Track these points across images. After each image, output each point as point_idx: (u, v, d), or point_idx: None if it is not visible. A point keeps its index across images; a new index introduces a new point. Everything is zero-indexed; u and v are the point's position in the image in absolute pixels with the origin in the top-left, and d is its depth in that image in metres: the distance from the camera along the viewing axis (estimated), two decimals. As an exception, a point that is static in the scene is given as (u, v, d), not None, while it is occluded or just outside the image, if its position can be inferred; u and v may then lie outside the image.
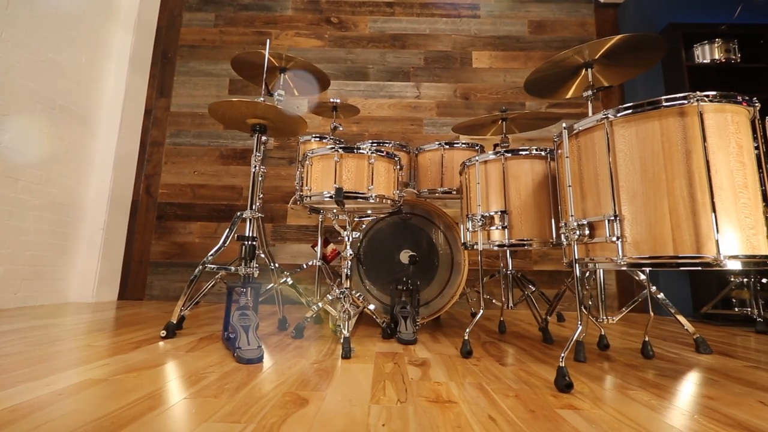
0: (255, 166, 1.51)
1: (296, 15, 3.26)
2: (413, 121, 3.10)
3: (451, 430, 0.68)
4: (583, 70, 1.70)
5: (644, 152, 0.90)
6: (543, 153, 1.33)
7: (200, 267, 1.45)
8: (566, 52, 1.54)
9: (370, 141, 1.82)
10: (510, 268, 1.97)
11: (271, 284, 1.68)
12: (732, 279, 2.33)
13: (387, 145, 1.82)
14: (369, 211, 1.61)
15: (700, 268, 0.84)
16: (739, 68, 2.79)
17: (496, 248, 1.36)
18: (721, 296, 2.35)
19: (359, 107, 3.12)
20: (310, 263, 2.08)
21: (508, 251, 2.08)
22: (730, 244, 0.83)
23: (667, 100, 0.88)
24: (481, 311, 1.35)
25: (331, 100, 2.01)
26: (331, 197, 1.31)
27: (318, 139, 1.92)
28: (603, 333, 1.44)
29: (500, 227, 1.32)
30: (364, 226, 1.86)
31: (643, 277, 1.40)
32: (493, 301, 1.91)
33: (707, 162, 0.83)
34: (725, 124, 0.86)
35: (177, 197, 2.97)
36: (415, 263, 1.69)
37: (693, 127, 0.86)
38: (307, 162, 1.39)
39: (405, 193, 1.54)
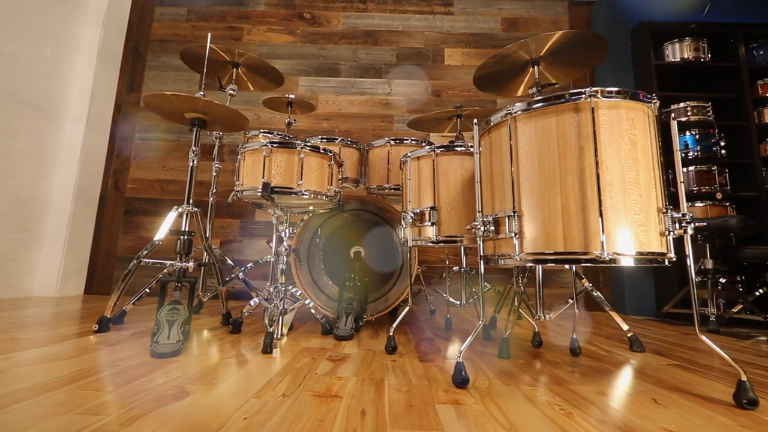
0: (192, 161, 1.51)
1: (269, 10, 3.25)
2: (384, 118, 3.09)
3: (312, 422, 0.68)
4: (531, 67, 1.70)
5: (541, 148, 0.90)
6: (473, 149, 1.33)
7: (135, 261, 1.45)
8: (510, 47, 1.54)
9: (320, 137, 1.81)
10: (464, 266, 1.97)
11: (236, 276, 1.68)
12: (695, 278, 2.33)
13: (336, 141, 1.81)
14: (310, 207, 1.61)
15: (590, 264, 0.84)
16: (709, 67, 2.78)
17: (430, 245, 1.36)
18: (681, 295, 2.35)
19: (330, 103, 3.12)
20: (264, 259, 2.08)
21: (462, 249, 2.09)
22: (618, 240, 0.82)
23: (563, 96, 0.88)
24: (408, 308, 1.35)
25: (286, 95, 2.01)
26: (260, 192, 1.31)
27: (267, 134, 1.91)
28: (537, 330, 1.44)
29: (430, 223, 1.31)
30: (311, 222, 1.86)
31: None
32: (450, 299, 1.91)
33: (596, 158, 0.83)
34: (619, 120, 0.86)
35: (145, 192, 2.96)
36: (359, 259, 1.69)
37: (586, 123, 0.86)
38: (239, 157, 1.38)
39: (341, 189, 1.53)
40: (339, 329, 1.49)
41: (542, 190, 0.89)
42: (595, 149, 0.83)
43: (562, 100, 0.87)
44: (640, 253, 0.83)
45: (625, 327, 1.44)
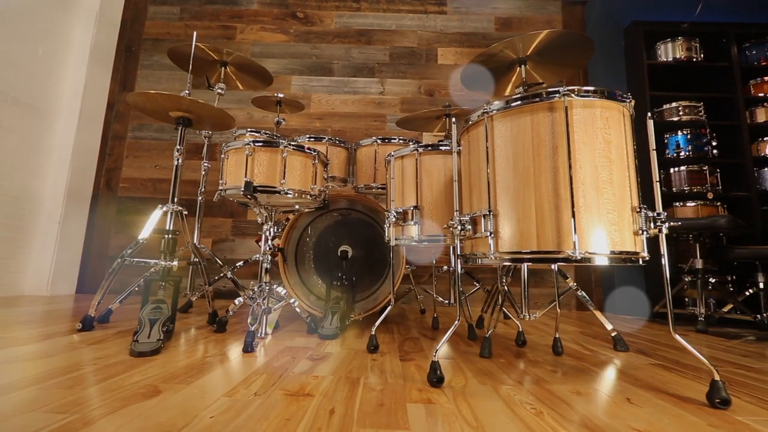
0: (177, 159, 1.51)
1: (262, 9, 3.24)
2: (377, 117, 3.09)
3: (278, 421, 0.68)
4: (518, 67, 1.70)
5: (516, 147, 0.90)
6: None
7: (119, 260, 1.45)
8: (496, 46, 1.54)
9: (307, 136, 1.81)
10: (453, 265, 1.97)
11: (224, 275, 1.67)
12: (684, 278, 2.33)
13: (324, 140, 1.81)
14: (296, 206, 1.61)
15: (565, 263, 0.84)
16: (701, 66, 2.78)
17: (414, 244, 1.36)
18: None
19: (323, 103, 3.12)
20: (253, 258, 2.08)
21: (451, 248, 2.09)
22: (591, 239, 0.82)
23: (538, 95, 0.88)
24: (390, 306, 1.35)
25: (275, 94, 2.00)
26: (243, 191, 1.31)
27: (254, 132, 1.91)
28: (521, 330, 1.44)
29: (413, 223, 1.31)
30: (299, 221, 1.86)
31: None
32: (439, 298, 1.91)
33: (569, 157, 0.83)
34: (593, 119, 0.85)
35: (138, 191, 2.96)
36: (345, 258, 1.69)
37: (560, 122, 0.85)
38: (222, 156, 1.38)
39: (326, 188, 1.53)
40: (324, 328, 1.49)
41: (517, 189, 0.88)
42: (568, 148, 0.83)
43: (537, 99, 0.87)
44: (614, 252, 0.83)
45: (609, 326, 1.44)
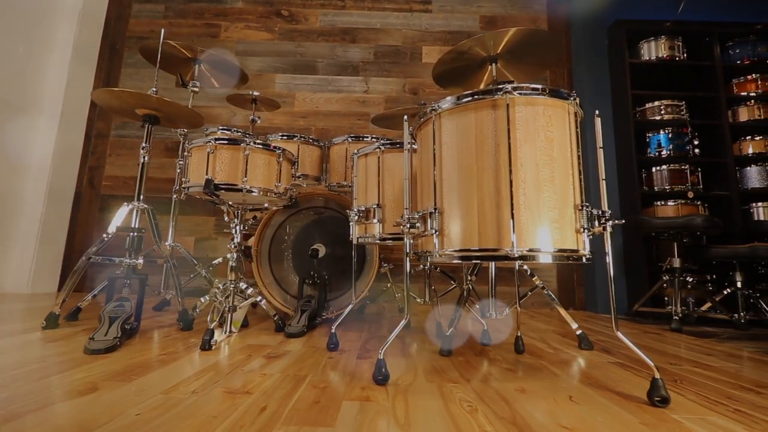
0: (143, 157, 1.50)
1: (246, 7, 3.24)
2: (361, 116, 3.09)
3: (203, 419, 0.68)
4: (489, 65, 1.69)
5: (461, 145, 0.89)
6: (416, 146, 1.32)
7: (83, 258, 1.45)
8: (465, 42, 1.54)
9: (280, 134, 1.81)
10: (428, 265, 1.97)
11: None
12: (663, 277, 2.32)
13: (295, 138, 1.81)
14: (266, 204, 1.61)
15: (506, 261, 0.84)
16: (684, 65, 2.77)
17: (378, 242, 1.35)
18: (650, 294, 2.35)
19: (307, 101, 3.11)
20: (227, 257, 2.07)
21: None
22: (531, 237, 0.82)
23: (482, 93, 0.88)
24: (352, 304, 1.35)
25: (251, 92, 2.00)
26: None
27: (226, 130, 1.91)
28: (485, 328, 1.44)
29: (376, 220, 1.31)
30: (273, 219, 1.85)
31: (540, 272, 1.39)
32: (417, 299, 1.92)
33: (510, 155, 0.83)
34: (535, 117, 0.85)
35: (120, 189, 2.96)
36: (315, 257, 1.69)
37: (502, 120, 0.85)
38: (185, 153, 1.38)
39: (292, 186, 1.53)
40: (291, 326, 1.49)
41: (461, 187, 0.88)
42: (509, 146, 0.83)
43: (479, 96, 0.87)
44: (555, 250, 0.83)
45: (574, 325, 1.43)
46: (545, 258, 0.84)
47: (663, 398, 0.81)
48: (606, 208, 0.87)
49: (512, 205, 0.81)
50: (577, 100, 0.90)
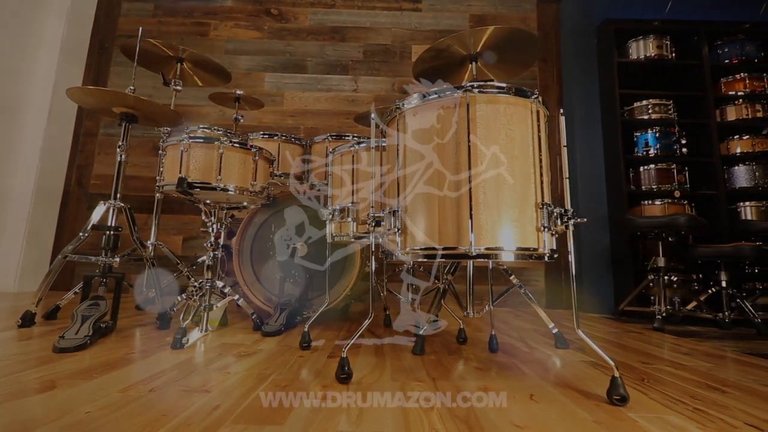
0: (120, 155, 1.50)
1: (236, 6, 3.23)
2: (350, 115, 3.08)
3: (152, 417, 0.67)
4: (469, 63, 1.69)
5: (424, 143, 0.89)
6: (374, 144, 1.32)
7: (59, 257, 1.45)
8: (444, 40, 1.54)
9: (261, 132, 1.80)
10: (410, 264, 1.97)
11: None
12: (649, 276, 2.32)
13: (276, 137, 1.80)
14: (244, 203, 1.61)
15: (465, 259, 0.83)
16: (672, 65, 2.77)
17: (353, 240, 1.35)
18: (636, 293, 2.35)
19: (296, 100, 3.11)
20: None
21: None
22: (490, 236, 0.82)
23: (442, 92, 0.87)
24: (326, 304, 1.35)
25: (235, 91, 2.00)
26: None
27: (205, 129, 1.90)
28: (462, 327, 1.44)
29: (350, 219, 1.31)
30: (255, 218, 1.85)
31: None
32: (401, 297, 1.91)
33: (470, 153, 0.83)
34: (496, 115, 0.85)
35: (109, 188, 2.91)
36: (293, 255, 1.69)
37: (463, 118, 0.85)
38: (161, 152, 1.38)
39: (268, 185, 1.52)
40: (268, 325, 1.49)
41: (423, 185, 0.88)
42: (469, 145, 0.83)
43: (437, 95, 0.87)
44: (515, 249, 0.83)
45: (550, 324, 1.43)
46: (507, 256, 0.84)
47: (622, 397, 0.81)
48: (569, 207, 0.87)
49: (471, 204, 0.81)
50: (540, 99, 0.89)
